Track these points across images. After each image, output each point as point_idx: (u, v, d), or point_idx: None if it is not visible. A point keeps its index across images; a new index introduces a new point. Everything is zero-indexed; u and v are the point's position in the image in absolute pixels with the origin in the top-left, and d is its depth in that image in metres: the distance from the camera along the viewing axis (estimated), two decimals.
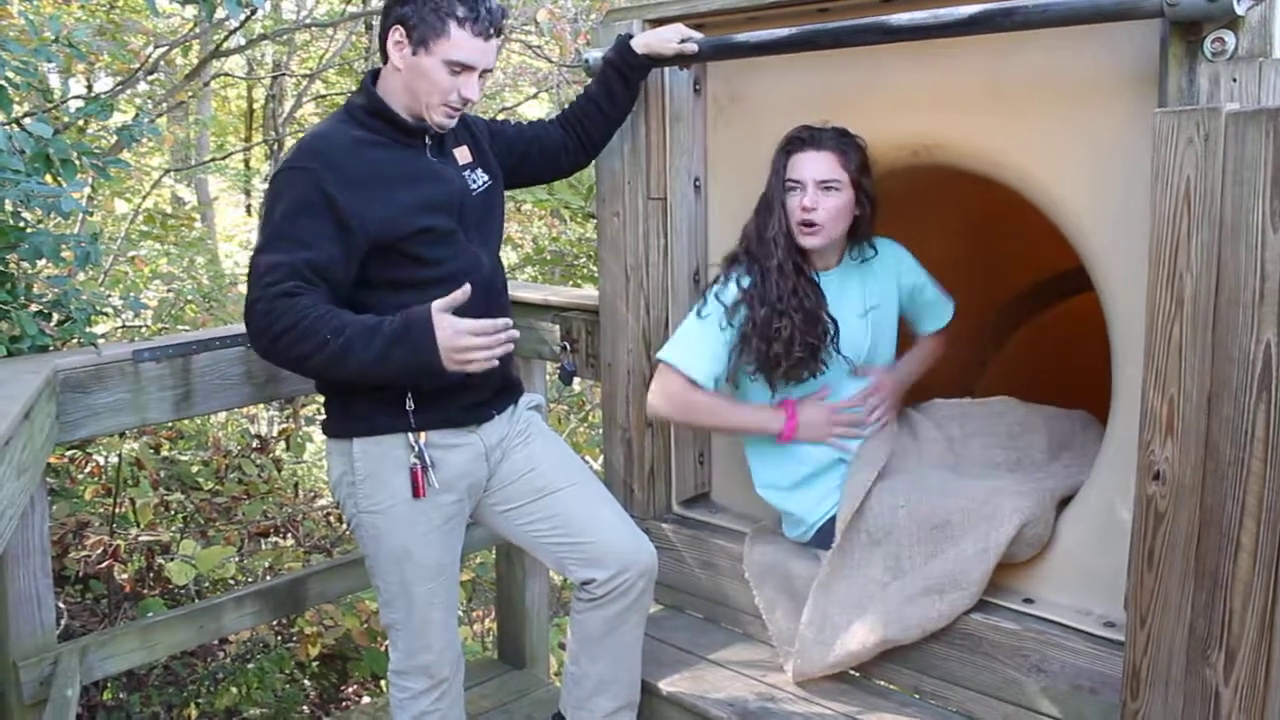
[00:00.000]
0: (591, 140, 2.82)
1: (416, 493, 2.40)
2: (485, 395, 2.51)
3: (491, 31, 2.35)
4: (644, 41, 2.71)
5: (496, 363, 2.25)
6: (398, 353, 2.18)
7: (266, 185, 2.41)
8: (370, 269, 2.32)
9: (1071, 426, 2.76)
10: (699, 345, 2.60)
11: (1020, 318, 3.87)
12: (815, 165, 2.51)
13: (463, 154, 2.53)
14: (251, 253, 2.31)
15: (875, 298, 2.71)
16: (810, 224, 2.52)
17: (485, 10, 2.32)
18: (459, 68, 2.32)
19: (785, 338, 2.51)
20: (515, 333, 2.25)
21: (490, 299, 2.48)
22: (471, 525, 2.60)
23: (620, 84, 2.76)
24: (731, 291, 2.59)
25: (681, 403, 2.62)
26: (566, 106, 2.85)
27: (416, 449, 2.39)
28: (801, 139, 2.54)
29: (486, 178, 2.55)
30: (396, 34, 2.33)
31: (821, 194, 2.51)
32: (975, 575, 2.39)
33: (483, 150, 2.60)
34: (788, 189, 2.55)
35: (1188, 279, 1.82)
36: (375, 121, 2.39)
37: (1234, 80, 1.90)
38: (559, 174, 2.92)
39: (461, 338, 2.18)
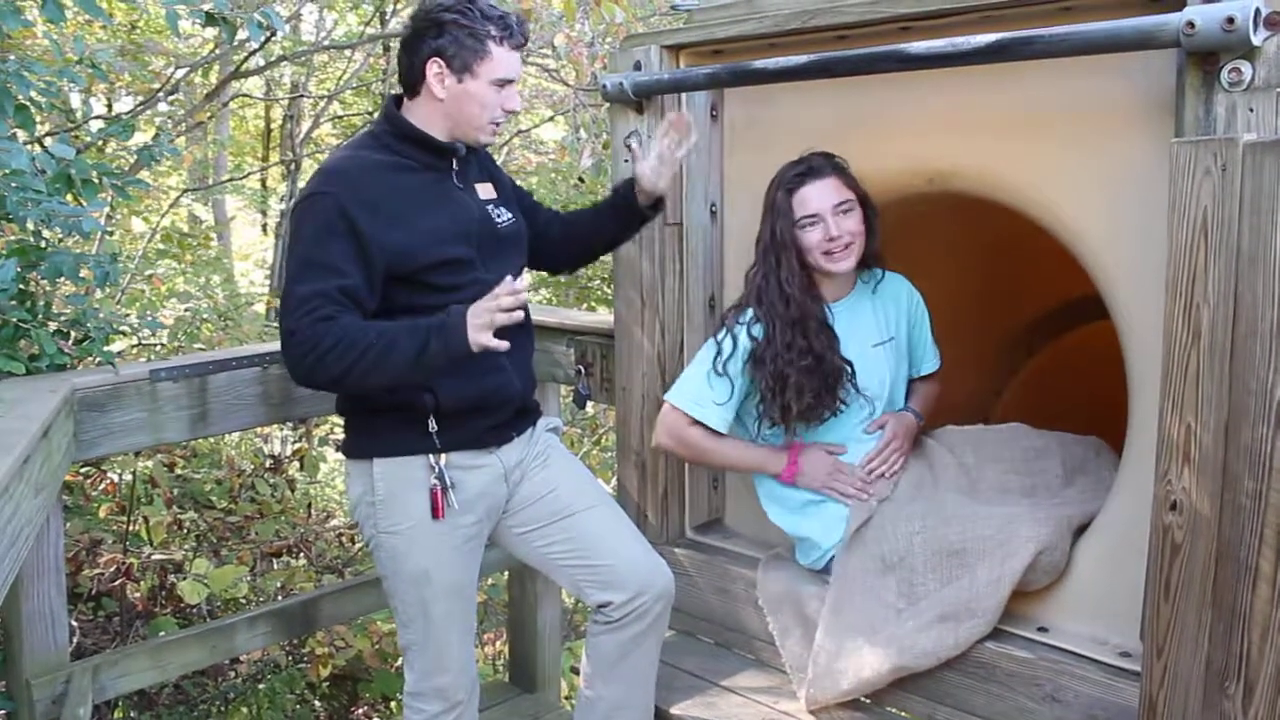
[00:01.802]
0: (576, 257, 2.91)
1: (436, 514, 2.41)
2: (505, 417, 2.53)
3: (522, 42, 2.43)
4: (640, 188, 2.67)
5: (506, 346, 2.27)
6: (435, 344, 2.25)
7: (291, 209, 2.45)
8: (390, 297, 2.35)
9: (1085, 452, 2.75)
10: (705, 391, 2.61)
11: (1035, 345, 3.86)
12: (826, 193, 2.52)
13: (486, 189, 2.57)
14: (284, 283, 2.33)
15: (888, 329, 2.72)
16: (836, 250, 2.52)
17: (515, 24, 2.40)
18: (503, 83, 2.39)
19: (794, 384, 2.51)
20: (518, 285, 2.25)
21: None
22: (486, 547, 2.61)
23: (611, 218, 2.77)
24: (742, 342, 2.58)
25: (681, 439, 2.66)
26: (569, 213, 2.91)
27: (437, 470, 2.41)
28: (801, 173, 2.54)
29: (511, 216, 2.59)
30: (435, 66, 2.37)
31: (842, 218, 2.52)
32: (990, 603, 2.38)
33: (507, 195, 2.64)
34: (801, 225, 2.54)
35: (1205, 309, 1.82)
36: (402, 145, 2.42)
37: (1251, 110, 1.90)
38: (540, 268, 2.97)
39: (480, 308, 2.23)
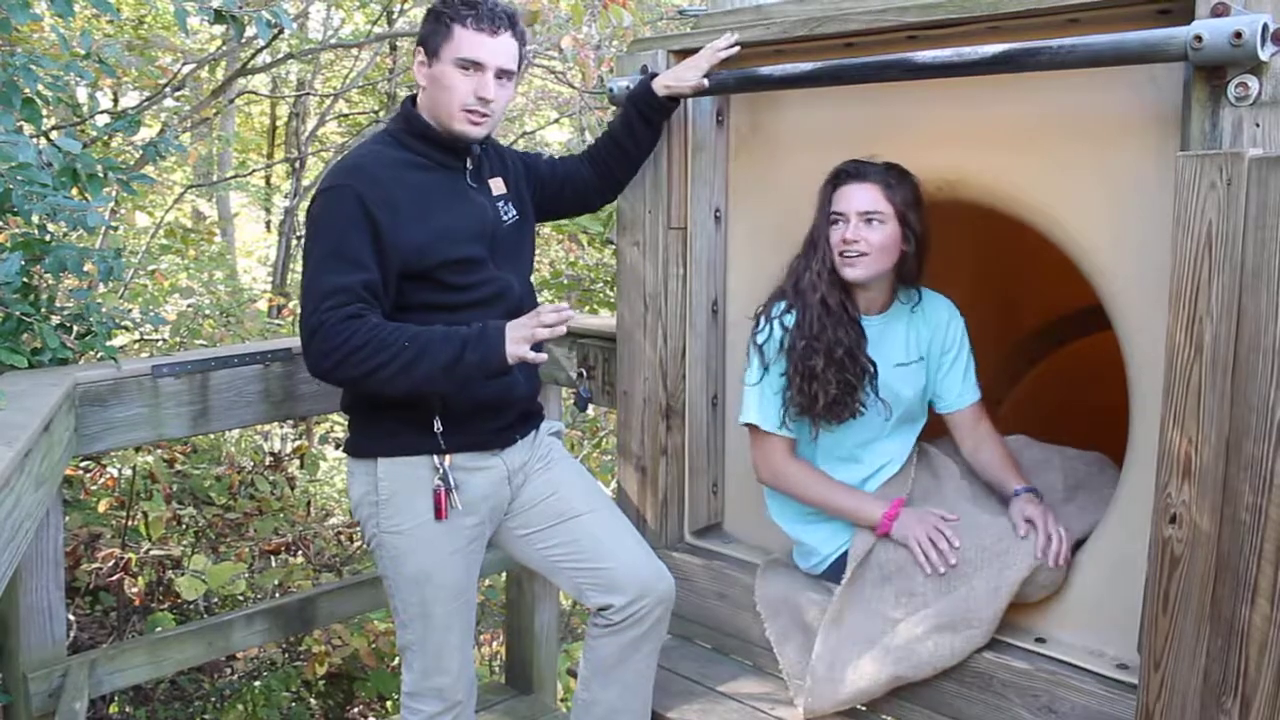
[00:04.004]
0: (616, 178, 2.86)
1: (439, 514, 2.41)
2: (510, 419, 2.53)
3: (497, 26, 2.37)
4: (663, 83, 2.73)
5: (544, 355, 2.29)
6: (471, 355, 2.24)
7: (309, 203, 2.44)
8: (404, 293, 2.35)
9: (1087, 468, 2.73)
10: (767, 395, 2.60)
11: (1037, 355, 3.86)
12: (858, 197, 2.49)
13: (498, 185, 2.57)
14: (304, 275, 2.33)
15: (918, 351, 2.67)
16: (851, 254, 2.49)
17: (486, 9, 2.36)
18: (468, 65, 2.35)
19: (820, 374, 2.49)
20: (564, 307, 2.26)
21: None
22: (486, 548, 2.61)
23: (641, 123, 2.78)
24: (776, 333, 2.57)
25: (776, 471, 2.65)
26: (593, 142, 2.88)
27: (441, 470, 2.41)
28: (847, 172, 2.52)
29: (516, 212, 2.58)
30: (419, 55, 2.41)
31: (864, 226, 2.48)
32: (987, 613, 2.38)
33: (517, 184, 2.64)
34: (831, 221, 2.52)
35: (1207, 324, 1.82)
36: (417, 143, 2.43)
37: (1257, 125, 1.90)
38: (587, 210, 2.96)
39: (521, 323, 2.26)
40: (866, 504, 2.59)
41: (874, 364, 2.56)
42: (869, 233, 2.49)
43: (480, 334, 2.26)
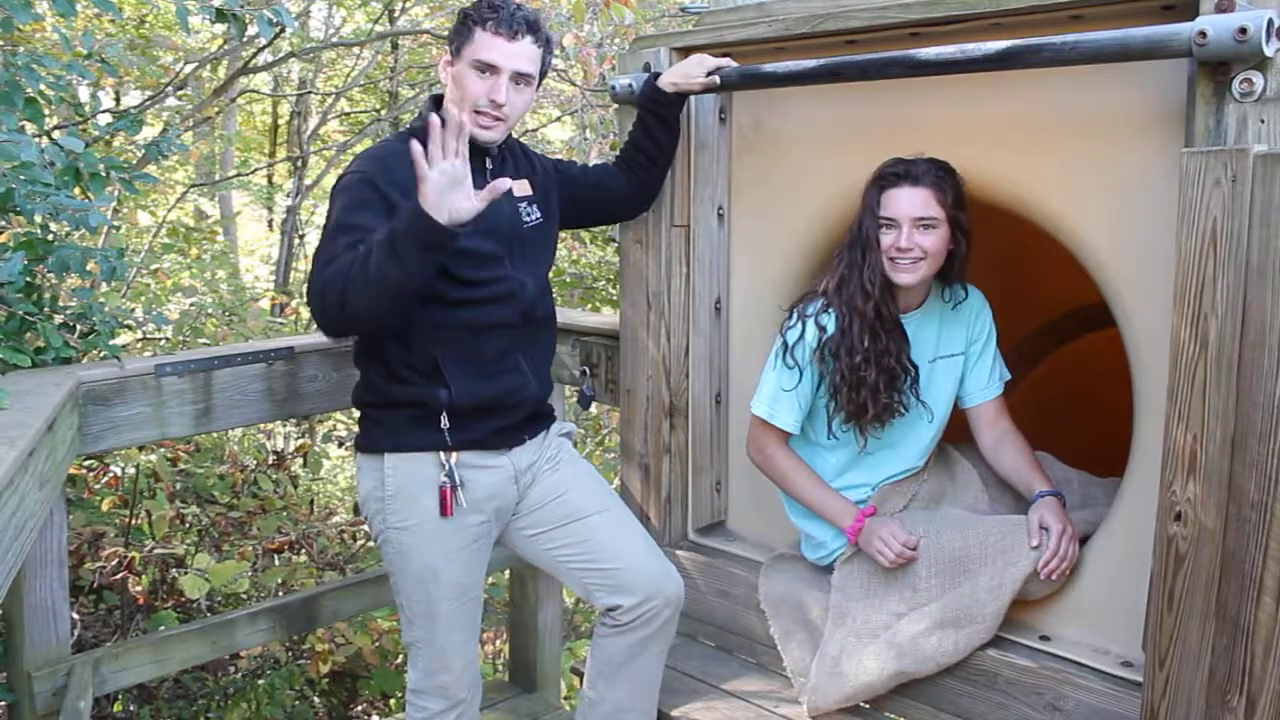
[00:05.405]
0: (647, 184, 2.84)
1: (444, 511, 2.41)
2: (518, 419, 2.54)
3: (516, 31, 2.39)
4: (670, 80, 2.72)
5: (507, 185, 2.15)
6: (404, 237, 2.10)
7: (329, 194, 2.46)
8: None
9: (1105, 497, 2.64)
10: (775, 386, 2.59)
11: (1041, 352, 3.85)
12: (912, 202, 2.40)
13: (522, 187, 2.57)
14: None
15: (949, 347, 2.63)
16: (904, 262, 2.43)
17: (508, 13, 2.39)
18: (484, 68, 2.38)
19: (871, 384, 2.46)
20: (461, 121, 2.08)
21: (532, 323, 2.51)
22: (493, 548, 2.61)
23: (657, 123, 2.77)
24: (810, 332, 2.53)
25: (765, 456, 2.66)
26: (618, 152, 2.88)
27: (447, 468, 2.41)
28: (897, 174, 2.43)
29: (540, 215, 2.59)
30: (445, 55, 2.45)
31: (918, 233, 2.41)
32: (990, 609, 2.38)
33: (545, 188, 2.64)
34: (882, 226, 2.44)
35: (1212, 321, 1.82)
36: None
37: (1262, 121, 1.89)
38: (621, 218, 2.97)
39: (423, 176, 2.08)
40: (842, 512, 2.59)
41: (915, 366, 2.53)
42: (923, 238, 2.41)
43: (400, 215, 2.13)
